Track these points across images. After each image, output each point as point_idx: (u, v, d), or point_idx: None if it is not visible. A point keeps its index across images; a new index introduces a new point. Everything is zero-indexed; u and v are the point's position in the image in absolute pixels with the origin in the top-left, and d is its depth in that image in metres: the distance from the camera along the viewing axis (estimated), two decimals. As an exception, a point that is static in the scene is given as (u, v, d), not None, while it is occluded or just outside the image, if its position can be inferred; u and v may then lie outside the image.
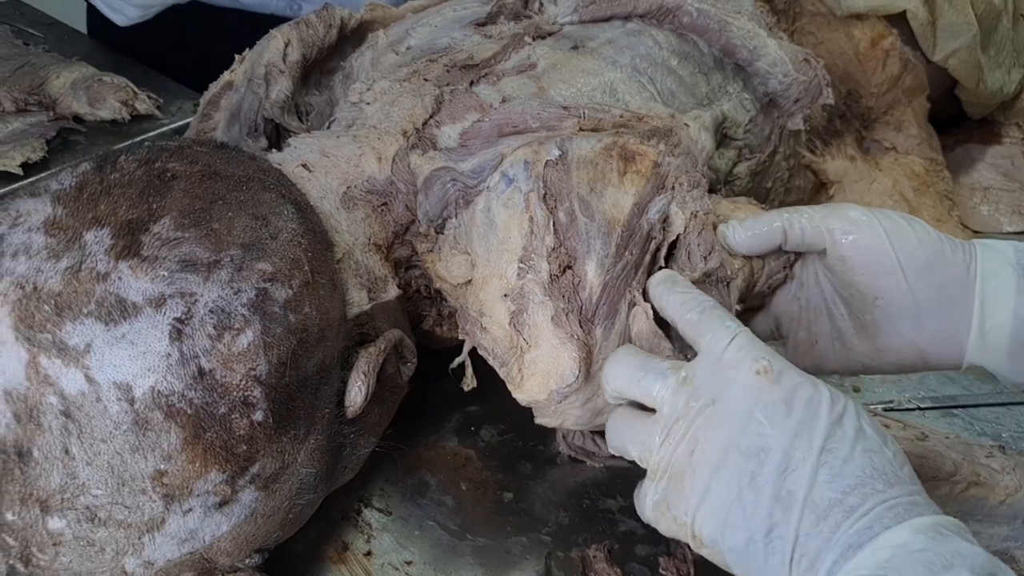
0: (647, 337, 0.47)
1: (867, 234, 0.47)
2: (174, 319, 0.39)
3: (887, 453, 0.38)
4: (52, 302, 0.39)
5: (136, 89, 0.83)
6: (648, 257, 0.48)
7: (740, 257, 0.51)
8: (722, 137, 0.62)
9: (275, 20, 0.91)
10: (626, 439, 0.44)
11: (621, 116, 0.53)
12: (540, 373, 0.48)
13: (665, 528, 0.42)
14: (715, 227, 0.49)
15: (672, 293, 0.46)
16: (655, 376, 0.43)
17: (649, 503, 0.42)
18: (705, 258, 0.48)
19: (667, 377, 0.43)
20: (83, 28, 1.02)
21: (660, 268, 0.49)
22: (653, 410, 0.43)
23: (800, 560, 0.37)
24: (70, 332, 0.39)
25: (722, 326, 0.43)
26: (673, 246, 0.49)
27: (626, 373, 0.44)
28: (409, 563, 0.51)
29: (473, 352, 0.52)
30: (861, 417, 0.40)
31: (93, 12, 1.02)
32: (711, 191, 0.53)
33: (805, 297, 0.52)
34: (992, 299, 0.46)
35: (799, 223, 0.48)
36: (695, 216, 0.48)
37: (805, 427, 0.39)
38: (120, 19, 0.89)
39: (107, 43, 0.96)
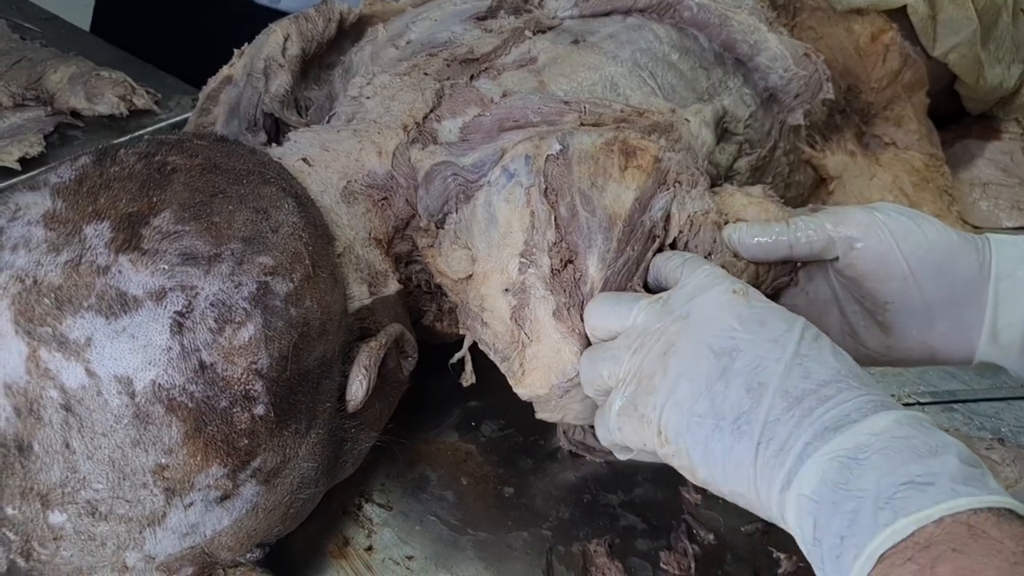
0: None
1: (875, 241, 0.47)
2: (175, 312, 0.39)
3: (858, 368, 0.38)
4: (52, 295, 0.39)
5: (134, 84, 0.83)
6: (650, 254, 0.48)
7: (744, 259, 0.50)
8: (723, 132, 0.62)
9: (256, 9, 0.92)
10: (597, 359, 0.44)
11: (622, 111, 0.53)
12: (541, 367, 0.48)
13: (629, 432, 0.42)
14: (720, 227, 0.49)
15: (661, 256, 0.47)
16: (630, 300, 0.44)
17: (615, 409, 0.42)
18: (707, 255, 0.48)
19: (639, 300, 0.44)
20: (81, 23, 1.02)
21: None
22: None
23: (768, 444, 0.36)
24: (70, 326, 0.39)
25: (700, 264, 0.44)
26: (676, 244, 0.49)
27: (603, 304, 0.45)
28: (410, 558, 0.51)
29: (473, 347, 0.52)
30: (835, 344, 0.40)
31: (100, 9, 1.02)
32: (713, 186, 0.53)
33: (814, 291, 0.52)
34: (1006, 298, 0.46)
35: (806, 236, 0.48)
36: (693, 216, 0.48)
37: (779, 336, 0.39)
38: None
39: (111, 39, 0.96)
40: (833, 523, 0.33)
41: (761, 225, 0.49)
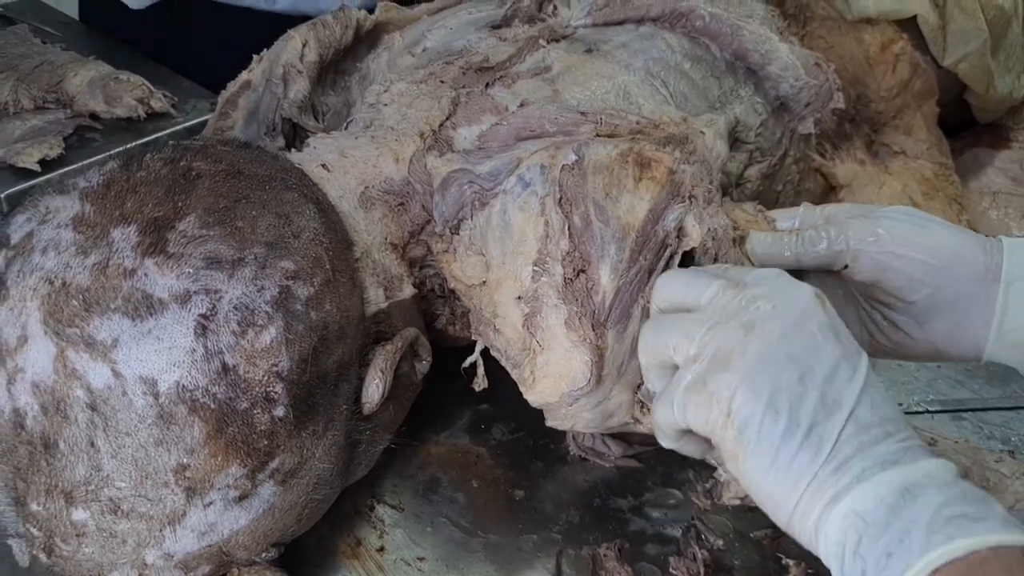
0: None
1: (874, 251, 0.47)
2: (199, 315, 0.40)
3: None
4: (80, 297, 0.40)
5: (152, 88, 0.84)
6: (662, 264, 0.49)
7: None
8: (733, 141, 0.62)
9: (251, 13, 0.93)
10: (664, 329, 0.43)
11: (637, 123, 0.54)
12: (552, 376, 0.48)
13: (694, 411, 0.41)
14: (741, 240, 0.50)
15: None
16: (707, 278, 0.43)
17: (683, 385, 0.41)
18: None
19: (717, 279, 0.43)
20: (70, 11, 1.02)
21: None
22: None
23: (831, 460, 0.37)
24: (98, 327, 0.40)
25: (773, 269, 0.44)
26: (688, 257, 0.50)
27: (676, 279, 0.45)
28: (421, 559, 0.51)
29: (485, 351, 0.52)
30: None
31: (88, 2, 1.03)
32: (723, 194, 0.53)
33: (820, 285, 0.53)
34: (1016, 301, 0.46)
35: (813, 253, 0.49)
36: (715, 232, 0.49)
37: (852, 356, 0.40)
38: (132, 2, 0.91)
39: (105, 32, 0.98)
40: (881, 540, 0.35)
41: (774, 237, 0.50)
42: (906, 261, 0.47)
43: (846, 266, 0.49)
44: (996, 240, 0.48)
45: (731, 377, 0.39)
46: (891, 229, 0.48)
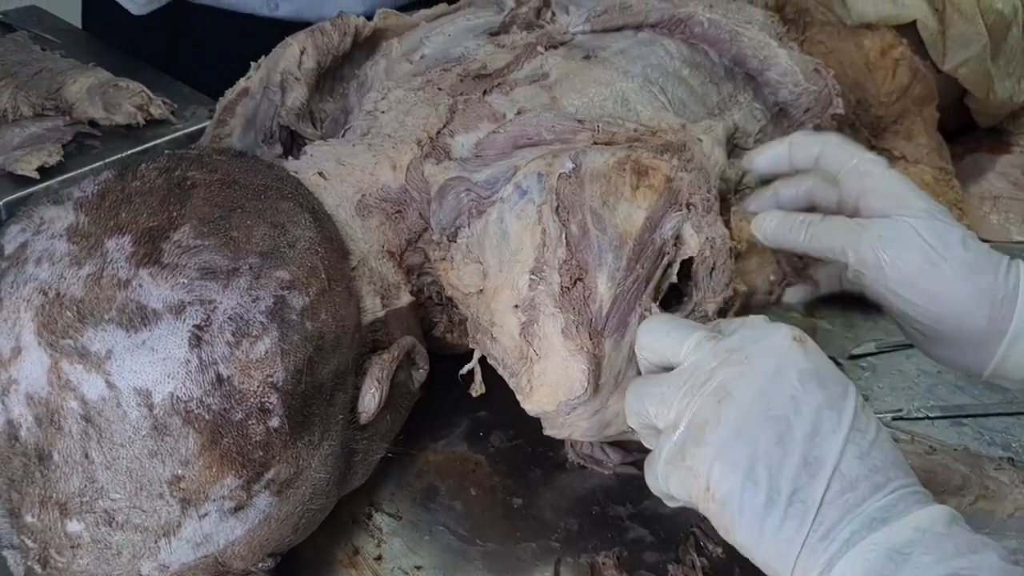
0: None
1: (875, 283, 0.47)
2: (193, 326, 0.40)
3: (898, 450, 0.39)
4: (74, 308, 0.40)
5: (151, 95, 0.84)
6: (659, 272, 0.48)
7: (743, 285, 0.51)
8: (732, 147, 0.62)
9: (253, 19, 0.93)
10: (644, 393, 0.42)
11: (635, 130, 0.54)
12: (549, 384, 0.48)
13: (677, 484, 0.40)
14: (734, 253, 0.50)
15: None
16: (685, 330, 0.43)
17: (663, 456, 0.41)
18: (727, 284, 0.48)
19: (697, 331, 0.42)
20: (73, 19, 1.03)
21: (670, 284, 0.50)
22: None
23: (817, 527, 0.36)
24: (92, 338, 0.39)
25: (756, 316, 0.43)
26: (686, 265, 0.50)
27: (657, 327, 0.44)
28: (419, 567, 0.51)
29: (482, 358, 0.52)
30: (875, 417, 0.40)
31: (90, 10, 1.04)
32: (722, 201, 0.53)
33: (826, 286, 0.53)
34: (1017, 353, 0.45)
35: (820, 249, 0.48)
36: (713, 242, 0.48)
37: (836, 401, 0.38)
38: (133, 7, 0.91)
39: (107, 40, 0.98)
40: None
41: (780, 220, 0.50)
42: (904, 302, 0.46)
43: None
44: (1015, 265, 0.46)
45: (707, 451, 0.39)
46: (897, 259, 0.46)
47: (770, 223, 0.50)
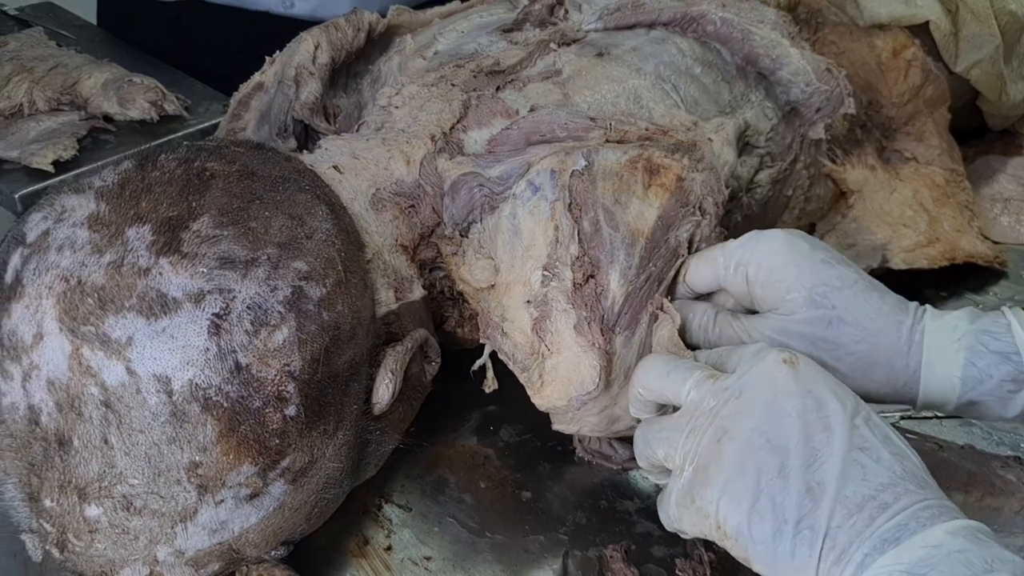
0: (668, 347, 0.47)
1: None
2: (213, 314, 0.40)
3: (914, 459, 0.39)
4: (95, 295, 0.40)
5: (165, 90, 0.85)
6: (672, 272, 0.49)
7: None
8: (744, 145, 0.63)
9: (269, 17, 0.94)
10: (651, 438, 0.44)
11: (647, 129, 0.54)
12: (560, 380, 0.48)
13: (689, 523, 0.42)
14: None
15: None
16: (684, 371, 0.43)
17: (673, 498, 0.42)
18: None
19: (695, 371, 0.43)
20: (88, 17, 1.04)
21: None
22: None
23: (830, 552, 0.37)
24: (112, 325, 0.40)
25: (747, 344, 0.44)
26: None
27: (656, 368, 0.45)
28: (428, 559, 0.51)
29: (493, 353, 0.52)
30: (887, 425, 0.40)
31: (104, 5, 1.04)
32: (733, 199, 0.53)
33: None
34: (935, 381, 0.46)
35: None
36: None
37: (833, 421, 0.39)
38: None
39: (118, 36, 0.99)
40: None
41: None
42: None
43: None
44: (919, 325, 0.46)
45: (712, 491, 0.40)
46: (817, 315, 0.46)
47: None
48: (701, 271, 0.49)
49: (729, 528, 0.39)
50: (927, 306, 0.48)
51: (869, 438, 0.39)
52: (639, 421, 0.50)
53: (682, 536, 0.44)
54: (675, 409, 0.44)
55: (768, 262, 0.47)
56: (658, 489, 0.56)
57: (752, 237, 0.48)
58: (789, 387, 0.40)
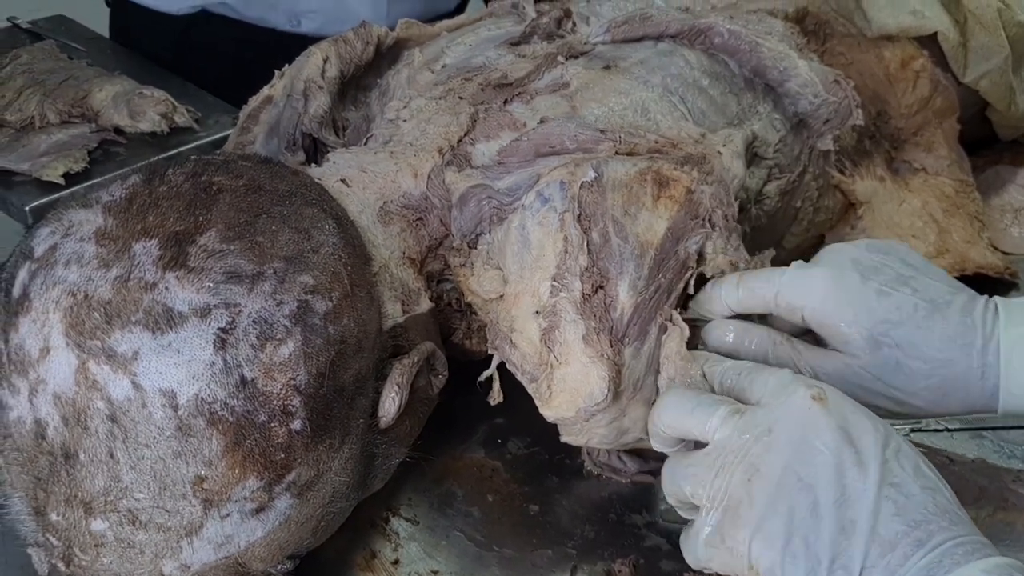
0: (676, 359, 0.47)
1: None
2: (218, 329, 0.41)
3: (946, 492, 0.38)
4: (102, 310, 0.40)
5: (175, 103, 0.85)
6: (682, 284, 0.49)
7: None
8: (752, 156, 0.62)
9: (275, 34, 0.95)
10: (678, 475, 0.43)
11: (656, 141, 0.54)
12: (569, 391, 0.48)
13: (719, 564, 0.41)
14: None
15: (717, 366, 0.46)
16: (708, 407, 0.42)
17: (702, 538, 0.41)
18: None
19: (720, 407, 0.42)
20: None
21: (690, 295, 0.50)
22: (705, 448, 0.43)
23: None
24: (119, 339, 0.40)
25: (768, 369, 0.43)
26: (702, 279, 0.50)
27: (679, 405, 0.44)
28: (435, 572, 0.51)
29: (500, 365, 0.52)
30: (917, 455, 0.39)
31: (116, 20, 1.06)
32: (741, 210, 0.53)
33: None
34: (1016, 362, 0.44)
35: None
36: (736, 266, 0.49)
37: (865, 457, 0.38)
38: (174, 7, 0.93)
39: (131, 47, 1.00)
40: None
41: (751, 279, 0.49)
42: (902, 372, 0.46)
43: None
44: (994, 320, 0.45)
45: (744, 531, 0.39)
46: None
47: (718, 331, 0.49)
48: (749, 303, 0.48)
49: (762, 569, 0.39)
50: (995, 305, 0.46)
51: (899, 473, 0.38)
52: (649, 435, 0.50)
53: (705, 572, 0.43)
54: (698, 444, 0.44)
55: (822, 307, 0.46)
56: (667, 504, 0.56)
57: (800, 276, 0.47)
58: (819, 424, 0.39)
